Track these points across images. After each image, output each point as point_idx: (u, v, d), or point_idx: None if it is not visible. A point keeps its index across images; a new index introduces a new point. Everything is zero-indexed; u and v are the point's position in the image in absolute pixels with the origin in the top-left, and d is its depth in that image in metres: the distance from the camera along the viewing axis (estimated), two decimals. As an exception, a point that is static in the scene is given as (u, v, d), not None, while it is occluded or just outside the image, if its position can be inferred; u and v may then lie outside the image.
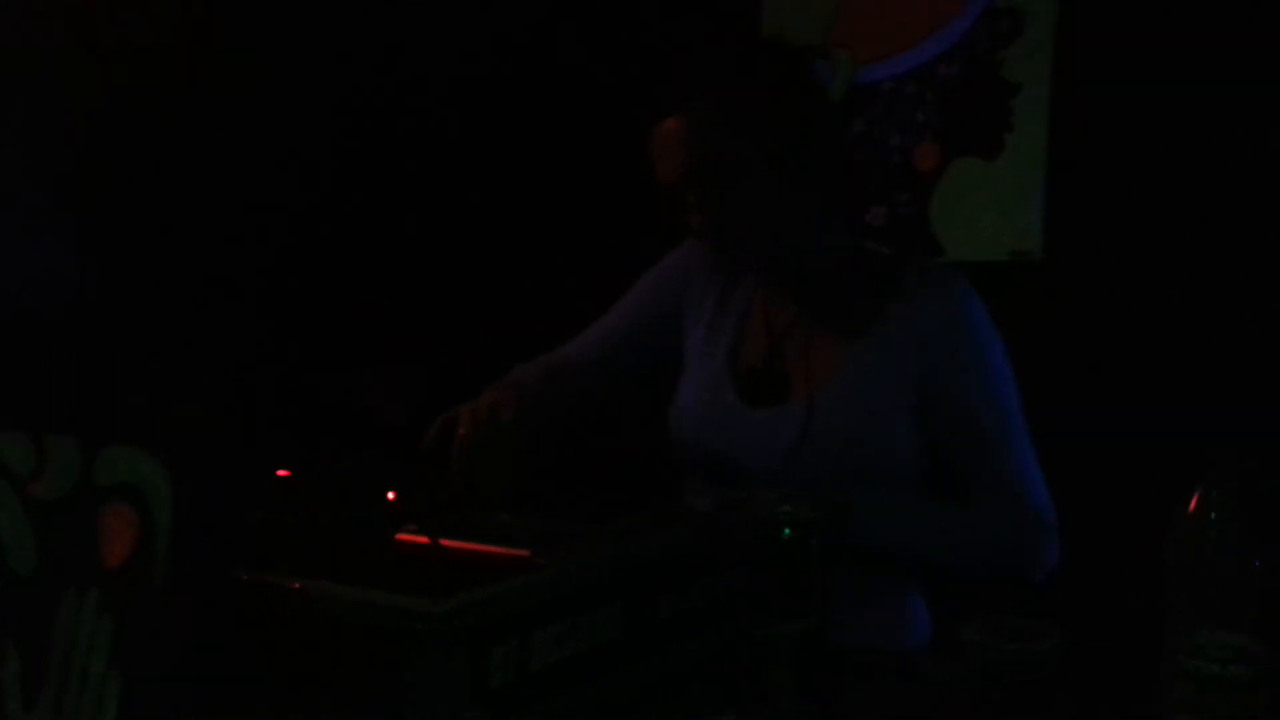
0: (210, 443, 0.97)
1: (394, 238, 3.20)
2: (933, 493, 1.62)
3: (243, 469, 1.34)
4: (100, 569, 0.96)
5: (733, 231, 1.59)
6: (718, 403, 1.66)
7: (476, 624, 1.01)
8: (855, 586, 1.56)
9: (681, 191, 1.57)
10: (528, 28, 3.17)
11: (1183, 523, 1.06)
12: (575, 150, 3.16)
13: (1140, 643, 1.10)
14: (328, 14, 2.96)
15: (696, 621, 1.33)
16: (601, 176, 3.07)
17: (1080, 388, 2.44)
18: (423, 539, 1.21)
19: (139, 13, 2.62)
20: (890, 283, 1.62)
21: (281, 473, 1.43)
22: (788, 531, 1.16)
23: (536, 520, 1.36)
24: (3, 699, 1.00)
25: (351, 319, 3.08)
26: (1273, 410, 2.28)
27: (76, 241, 2.42)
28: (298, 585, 1.03)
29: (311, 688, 1.04)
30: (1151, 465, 1.91)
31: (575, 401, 1.76)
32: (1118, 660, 1.15)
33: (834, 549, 1.24)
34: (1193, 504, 1.06)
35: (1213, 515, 1.05)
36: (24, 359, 2.01)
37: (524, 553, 1.19)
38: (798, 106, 1.58)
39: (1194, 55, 2.43)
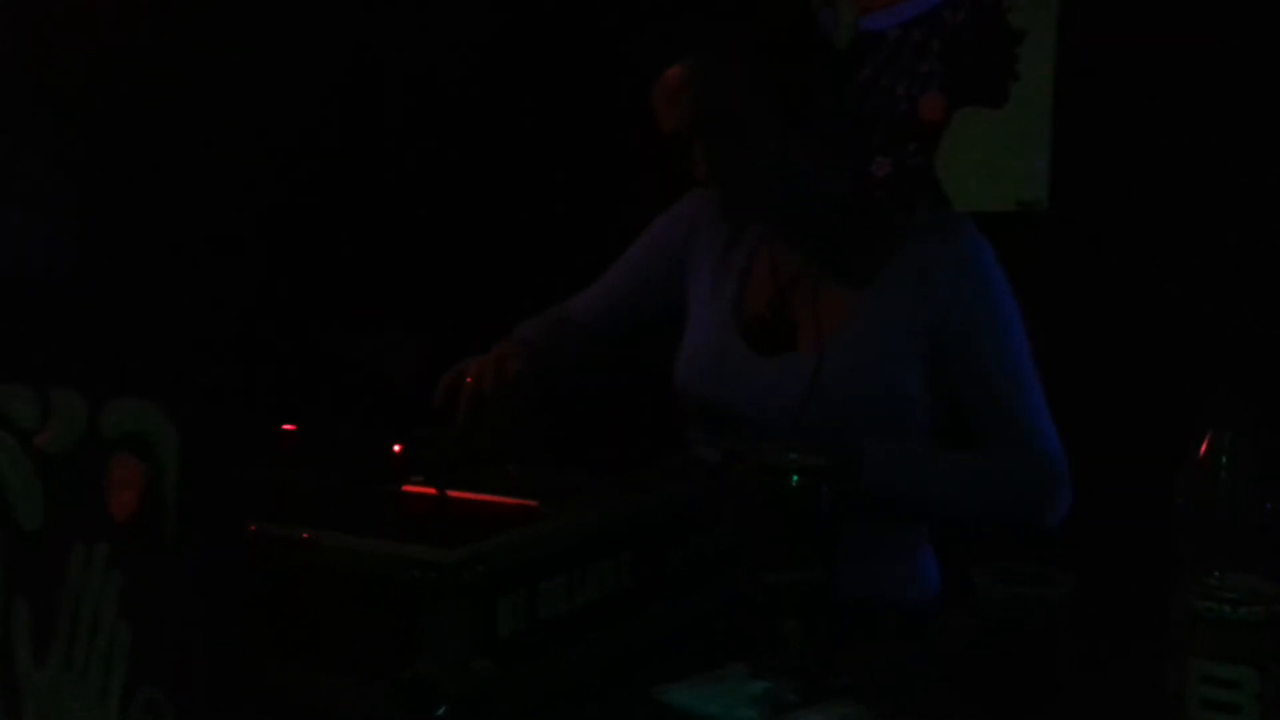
0: (216, 394, 0.96)
1: (396, 203, 3.19)
2: (943, 441, 1.62)
3: (249, 421, 1.34)
4: (109, 522, 0.96)
5: (738, 180, 1.57)
6: (725, 352, 1.65)
7: (485, 574, 1.01)
8: (865, 538, 1.55)
9: (686, 141, 1.56)
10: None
11: (1194, 467, 1.05)
12: (574, 114, 3.14)
13: (1150, 588, 1.10)
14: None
15: (704, 572, 1.33)
16: (600, 140, 3.05)
17: (1087, 336, 2.44)
18: (429, 490, 1.21)
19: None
20: (898, 229, 1.60)
21: (287, 427, 1.43)
22: (796, 479, 1.15)
23: (543, 472, 1.36)
24: (13, 654, 1.00)
25: (353, 283, 3.08)
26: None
27: (82, 199, 2.42)
28: (306, 535, 1.03)
29: (321, 637, 1.05)
30: (1158, 412, 1.90)
31: (580, 356, 1.76)
32: (1127, 606, 1.15)
33: (844, 499, 1.24)
34: (1203, 449, 1.06)
35: (1224, 459, 1.04)
36: (28, 313, 2.00)
37: (531, 503, 1.19)
38: (801, 54, 1.56)
39: (1201, 3, 2.41)
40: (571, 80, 3.16)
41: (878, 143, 2.76)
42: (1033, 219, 2.61)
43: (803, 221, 1.64)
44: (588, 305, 1.83)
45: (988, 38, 2.66)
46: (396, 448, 1.34)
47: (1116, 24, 2.50)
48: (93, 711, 0.96)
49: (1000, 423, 1.56)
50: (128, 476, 0.95)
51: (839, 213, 1.63)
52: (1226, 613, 0.93)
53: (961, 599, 1.19)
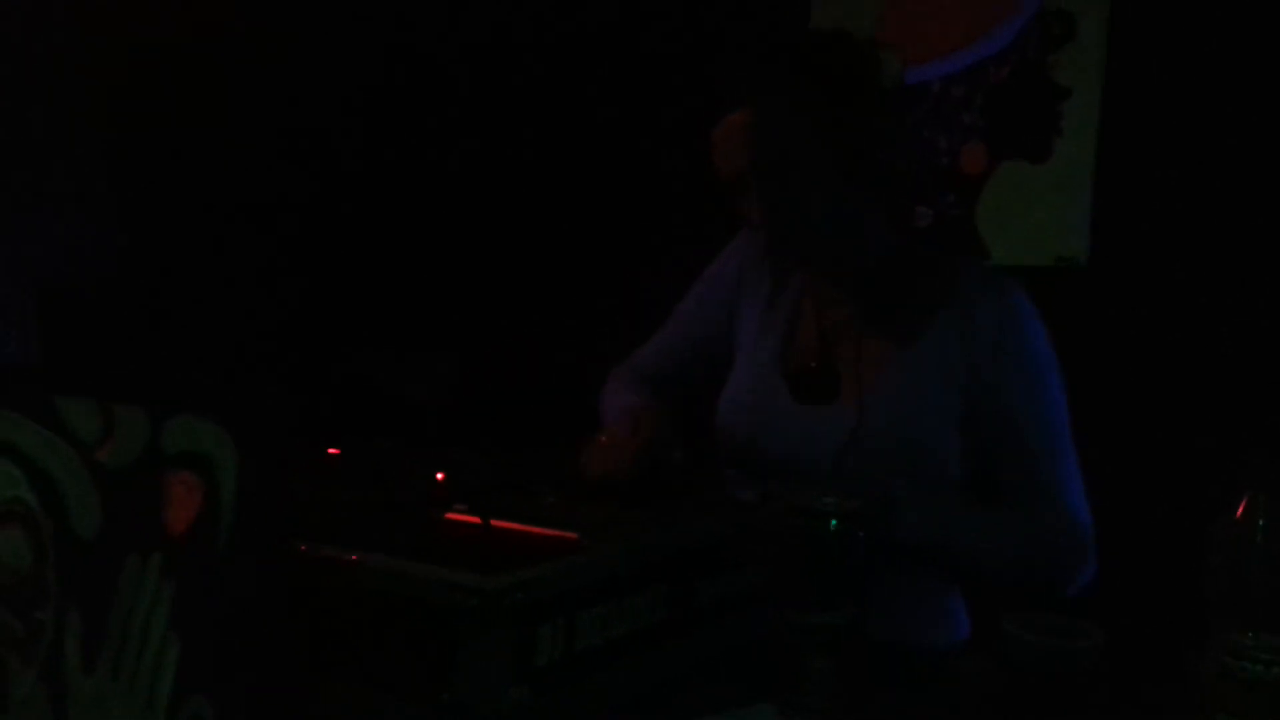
0: (275, 415, 0.99)
1: (429, 228, 3.23)
2: (975, 498, 1.62)
3: (301, 442, 1.36)
4: (164, 534, 0.98)
5: (793, 225, 1.59)
6: (767, 397, 1.66)
7: (525, 602, 1.03)
8: (896, 583, 1.56)
9: (742, 185, 1.57)
10: (585, 20, 3.19)
11: (1230, 527, 1.06)
12: (614, 146, 3.18)
13: (1178, 645, 1.10)
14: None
15: (737, 609, 1.35)
16: (636, 172, 3.08)
17: (1125, 393, 2.44)
18: (473, 518, 1.23)
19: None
20: (945, 286, 1.60)
21: (332, 451, 1.45)
22: (834, 523, 1.16)
23: (582, 504, 1.38)
24: (63, 661, 1.03)
25: (383, 307, 3.11)
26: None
27: (152, 225, 2.46)
28: (354, 558, 1.05)
29: (362, 658, 1.06)
30: (1193, 471, 1.90)
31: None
32: (1156, 661, 1.16)
33: (877, 545, 1.24)
34: (1240, 509, 1.07)
35: (1260, 520, 1.05)
36: (98, 332, 2.04)
37: (572, 535, 1.21)
38: (863, 103, 1.57)
39: (1245, 62, 2.42)
40: (609, 123, 3.19)
41: (918, 193, 2.78)
42: (1071, 274, 2.61)
43: (852, 270, 1.65)
44: (654, 361, 1.86)
45: (1032, 93, 2.68)
46: (440, 476, 1.36)
47: (1161, 82, 2.52)
48: (138, 720, 0.98)
49: (1031, 488, 1.56)
50: (185, 492, 0.98)
51: (888, 263, 1.64)
52: (1260, 672, 0.94)
53: (989, 645, 1.19)
